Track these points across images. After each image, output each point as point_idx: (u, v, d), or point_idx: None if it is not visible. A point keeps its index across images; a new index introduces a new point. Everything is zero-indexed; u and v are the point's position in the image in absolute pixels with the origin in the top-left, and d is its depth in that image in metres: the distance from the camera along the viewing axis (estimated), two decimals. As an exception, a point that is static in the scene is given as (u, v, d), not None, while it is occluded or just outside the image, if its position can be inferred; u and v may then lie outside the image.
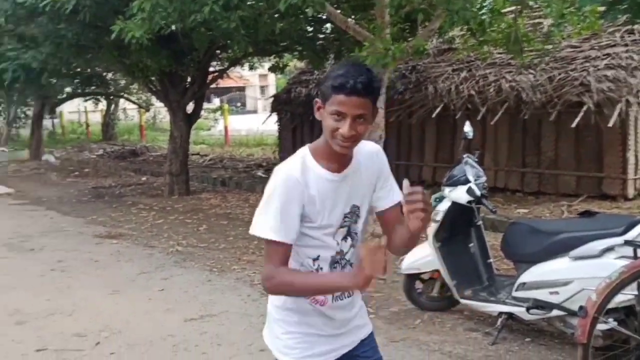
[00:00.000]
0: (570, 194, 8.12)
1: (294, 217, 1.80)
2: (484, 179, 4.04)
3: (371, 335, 2.08)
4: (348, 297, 1.94)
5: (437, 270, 4.22)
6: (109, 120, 22.84)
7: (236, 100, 39.98)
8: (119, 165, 14.78)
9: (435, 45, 10.31)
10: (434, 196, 4.22)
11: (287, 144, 12.21)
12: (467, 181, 3.92)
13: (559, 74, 8.19)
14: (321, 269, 1.88)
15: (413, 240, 1.84)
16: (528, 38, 7.28)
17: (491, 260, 4.22)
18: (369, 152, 1.94)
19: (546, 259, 3.59)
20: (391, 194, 1.95)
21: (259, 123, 17.43)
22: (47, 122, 21.12)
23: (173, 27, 6.10)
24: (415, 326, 4.26)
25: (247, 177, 11.82)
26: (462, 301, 4.10)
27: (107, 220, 8.45)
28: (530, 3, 7.93)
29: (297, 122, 12.02)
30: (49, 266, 6.13)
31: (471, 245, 4.16)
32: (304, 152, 1.87)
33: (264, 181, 11.58)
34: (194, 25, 5.73)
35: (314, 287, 1.83)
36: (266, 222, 1.79)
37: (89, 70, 14.37)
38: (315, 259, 1.88)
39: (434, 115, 9.23)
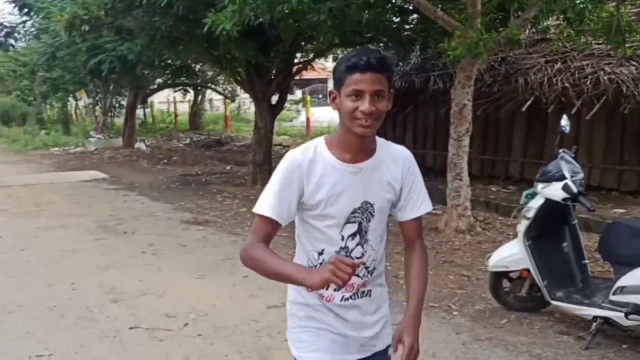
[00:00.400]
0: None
1: (290, 199, 1.78)
2: (581, 175, 3.84)
3: (386, 351, 1.97)
4: (361, 297, 1.89)
5: (527, 269, 4.06)
6: (196, 110, 23.62)
7: (318, 92, 40.17)
8: (205, 154, 15.27)
9: (528, 36, 9.91)
10: (525, 192, 4.06)
11: (369, 136, 12.16)
12: (562, 177, 3.73)
13: (665, 67, 7.67)
14: (325, 263, 1.79)
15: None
16: (631, 28, 6.83)
17: (586, 261, 4.00)
18: (397, 154, 1.89)
19: (646, 264, 3.37)
20: (414, 207, 1.90)
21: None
22: (139, 112, 22.07)
23: (261, 19, 6.20)
24: (501, 326, 4.12)
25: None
26: (553, 303, 3.92)
27: (193, 207, 8.75)
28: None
29: (380, 114, 11.93)
30: (140, 249, 6.42)
31: (564, 244, 3.97)
32: (318, 140, 1.86)
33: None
34: (282, 16, 5.78)
35: (275, 271, 1.75)
36: (266, 200, 1.80)
37: (179, 61, 14.89)
38: (320, 253, 1.85)
39: (524, 109, 8.87)
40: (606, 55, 8.45)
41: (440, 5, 7.28)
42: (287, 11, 5.24)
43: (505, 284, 4.38)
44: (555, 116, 8.73)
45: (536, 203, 3.92)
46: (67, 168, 13.80)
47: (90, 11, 8.43)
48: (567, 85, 8.34)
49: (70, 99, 24.04)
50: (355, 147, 1.79)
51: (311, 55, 12.42)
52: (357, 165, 1.80)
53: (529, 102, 8.79)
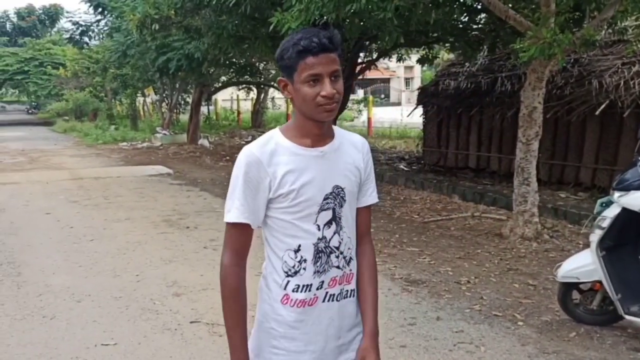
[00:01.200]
0: None
1: (257, 198, 1.68)
2: (662, 184, 3.61)
3: None
4: (345, 297, 1.78)
5: (599, 281, 3.86)
6: (259, 108, 23.95)
7: (380, 91, 40.03)
8: (267, 152, 15.43)
9: (604, 37, 9.48)
10: (600, 200, 3.86)
11: (432, 137, 11.95)
12: (642, 186, 3.53)
13: None
14: (305, 261, 1.70)
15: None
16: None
17: (665, 275, 3.77)
18: (355, 140, 1.82)
19: None
20: (365, 194, 1.84)
21: (403, 115, 17.26)
22: (203, 109, 22.58)
23: (326, 18, 6.18)
24: (570, 339, 3.93)
25: (389, 169, 11.76)
26: (627, 317, 3.71)
27: (255, 204, 8.83)
28: None
29: (443, 115, 11.70)
30: (202, 244, 6.53)
31: (641, 256, 3.75)
32: (273, 132, 1.75)
33: (406, 174, 11.57)
34: (348, 15, 5.74)
35: (230, 323, 1.72)
36: (233, 206, 1.69)
37: (243, 60, 15.13)
38: (297, 250, 1.71)
39: (597, 113, 8.49)
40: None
41: (511, 5, 7.06)
42: (354, 10, 5.17)
43: (575, 295, 4.18)
44: (632, 121, 8.32)
45: (612, 212, 3.71)
46: (134, 162, 14.26)
47: (161, 10, 8.67)
48: (644, 88, 7.92)
49: (139, 95, 24.86)
50: (314, 132, 1.71)
51: (375, 55, 12.33)
52: (320, 149, 1.72)
53: (603, 106, 8.40)
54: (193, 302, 4.75)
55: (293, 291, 1.73)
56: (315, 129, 1.71)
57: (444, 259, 5.81)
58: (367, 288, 1.85)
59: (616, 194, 3.70)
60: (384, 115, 22.81)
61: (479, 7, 8.19)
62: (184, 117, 22.75)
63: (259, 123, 23.44)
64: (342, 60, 1.70)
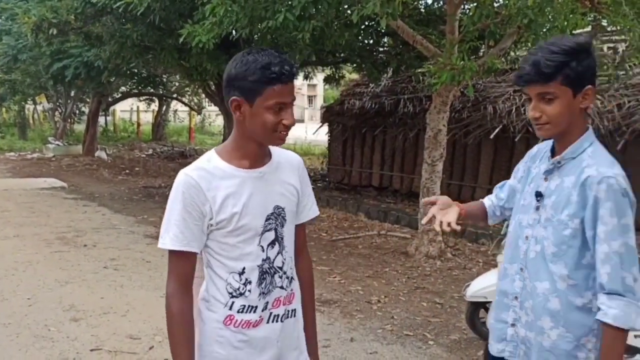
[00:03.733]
0: (637, 227, 7.77)
1: (196, 223, 1.65)
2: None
3: None
4: (287, 317, 1.78)
5: (505, 300, 4.01)
6: (160, 120, 23.26)
7: (283, 108, 40.13)
8: (168, 166, 14.96)
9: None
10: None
11: (337, 156, 12.12)
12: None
13: (629, 101, 7.87)
14: (249, 283, 1.69)
15: None
16: (600, 62, 7.00)
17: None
18: (291, 158, 1.84)
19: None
20: (304, 210, 1.86)
21: (306, 132, 17.41)
22: (100, 119, 21.59)
23: (237, 33, 6.10)
24: (478, 357, 4.07)
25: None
26: (531, 335, 3.89)
27: (157, 221, 8.47)
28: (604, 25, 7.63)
29: (348, 134, 11.92)
30: (102, 263, 6.16)
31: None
32: (209, 154, 1.74)
33: (313, 191, 11.50)
34: (264, 32, 5.70)
35: (177, 351, 1.70)
36: (169, 232, 1.66)
37: (146, 71, 14.63)
38: (241, 273, 1.70)
39: (491, 136, 8.99)
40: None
41: (414, 31, 7.33)
42: (271, 27, 5.13)
43: (482, 314, 4.33)
44: (522, 145, 8.86)
45: (517, 234, 3.89)
46: (23, 174, 13.30)
47: (59, 15, 8.18)
48: (535, 115, 8.48)
49: (29, 102, 23.35)
50: (254, 153, 1.71)
51: (282, 72, 12.36)
52: (259, 170, 1.71)
53: (497, 130, 8.91)
54: (93, 327, 4.43)
55: (238, 312, 1.71)
56: (257, 149, 1.71)
57: (354, 278, 5.85)
58: (309, 306, 1.91)
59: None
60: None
61: (383, 30, 8.44)
62: (79, 127, 21.62)
63: (160, 136, 22.73)
64: None
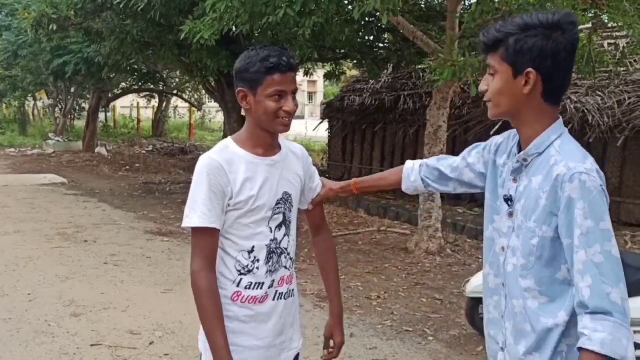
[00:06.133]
0: (634, 223, 7.78)
1: (220, 203, 1.77)
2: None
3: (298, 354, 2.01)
4: (288, 297, 1.91)
5: (505, 296, 4.02)
6: (161, 117, 23.25)
7: (283, 104, 40.11)
8: (168, 162, 14.97)
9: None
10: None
11: (337, 152, 12.14)
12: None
13: (629, 98, 7.88)
14: (258, 261, 1.82)
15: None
16: (601, 58, 6.99)
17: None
18: (297, 149, 2.00)
19: (632, 295, 3.35)
20: (316, 191, 2.04)
21: (307, 128, 17.41)
22: (101, 115, 21.59)
23: (238, 29, 6.09)
24: (477, 353, 4.07)
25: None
26: (530, 331, 3.89)
27: (157, 217, 8.51)
28: (605, 21, 7.62)
29: (348, 131, 11.94)
30: (102, 259, 6.17)
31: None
32: (227, 141, 1.88)
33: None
34: (264, 28, 5.69)
35: (209, 326, 1.75)
36: (196, 211, 1.76)
37: (146, 67, 14.62)
38: (251, 251, 1.82)
39: (492, 133, 8.97)
40: (573, 84, 8.65)
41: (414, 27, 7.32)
42: (271, 22, 5.12)
43: (481, 309, 4.33)
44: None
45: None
46: (24, 170, 13.31)
47: (60, 10, 8.17)
48: (535, 111, 8.48)
49: (29, 98, 23.33)
50: (267, 142, 1.85)
51: (283, 68, 12.35)
52: (272, 158, 1.86)
53: (497, 127, 8.90)
54: (93, 323, 4.44)
55: (246, 288, 1.83)
56: (269, 139, 1.85)
57: (354, 274, 5.86)
58: (330, 274, 2.09)
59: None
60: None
61: (383, 26, 8.42)
62: (80, 124, 21.61)
63: (160, 132, 22.73)
64: None
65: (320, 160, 14.64)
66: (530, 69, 1.51)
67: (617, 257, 1.45)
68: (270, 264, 1.84)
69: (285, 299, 1.89)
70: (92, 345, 4.04)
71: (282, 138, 1.96)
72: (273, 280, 1.86)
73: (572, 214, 1.46)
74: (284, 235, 1.88)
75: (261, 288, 1.83)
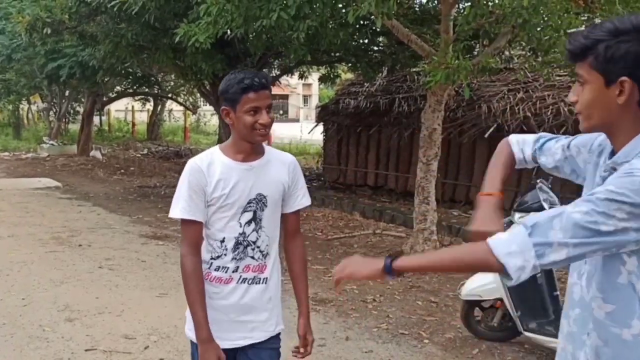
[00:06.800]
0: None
1: (199, 198, 2.12)
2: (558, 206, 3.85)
3: (278, 336, 2.32)
4: (258, 283, 2.21)
5: (500, 299, 4.03)
6: (155, 120, 23.19)
7: (278, 108, 40.19)
8: (163, 166, 14.93)
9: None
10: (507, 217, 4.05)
11: (332, 155, 12.13)
12: (540, 208, 3.72)
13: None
14: (226, 249, 2.17)
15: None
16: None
17: (558, 292, 4.01)
18: (285, 158, 2.29)
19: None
20: (295, 201, 2.30)
21: (302, 131, 17.41)
22: (95, 119, 21.52)
23: (232, 32, 6.09)
24: (473, 356, 4.08)
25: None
26: (526, 334, 3.90)
27: (152, 221, 8.49)
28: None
29: (343, 134, 11.93)
30: (97, 263, 6.15)
31: (538, 275, 3.95)
32: (214, 148, 2.23)
33: (309, 190, 11.48)
34: (259, 31, 5.69)
35: (191, 300, 2.12)
36: (178, 205, 2.12)
37: (140, 70, 14.60)
38: (222, 241, 2.17)
39: (486, 135, 9.01)
40: (566, 87, 8.67)
41: (412, 30, 7.34)
42: (265, 25, 5.13)
43: (477, 312, 4.35)
44: (518, 144, 8.90)
45: (512, 233, 3.90)
46: (18, 174, 13.26)
47: (54, 14, 8.15)
48: (528, 114, 8.50)
49: (23, 102, 23.26)
50: (247, 150, 2.17)
51: (278, 72, 12.36)
52: (249, 163, 2.17)
53: (491, 129, 8.93)
54: (88, 327, 4.43)
55: (215, 270, 2.20)
56: (249, 148, 2.17)
57: (349, 277, 5.85)
58: (299, 278, 2.37)
59: (517, 216, 3.90)
60: (283, 131, 22.89)
61: (378, 29, 8.44)
62: (74, 127, 21.54)
63: (155, 135, 22.67)
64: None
65: (315, 163, 14.64)
66: (624, 78, 1.39)
67: None
68: (236, 252, 2.17)
69: (249, 284, 2.20)
70: (86, 350, 4.03)
71: (273, 148, 2.29)
72: (237, 267, 2.18)
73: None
74: (253, 230, 2.18)
75: (226, 272, 2.18)
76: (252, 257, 2.19)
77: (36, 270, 5.82)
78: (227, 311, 2.19)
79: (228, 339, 2.19)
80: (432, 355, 4.06)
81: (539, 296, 3.94)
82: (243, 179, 2.14)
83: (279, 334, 2.32)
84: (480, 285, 4.10)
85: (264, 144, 2.25)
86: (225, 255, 2.17)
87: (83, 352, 4.00)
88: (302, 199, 2.31)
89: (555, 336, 3.71)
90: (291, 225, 2.34)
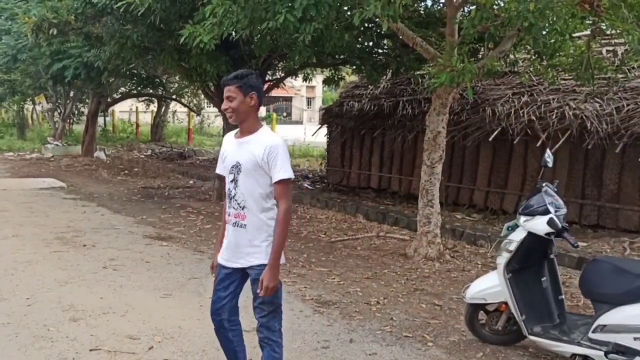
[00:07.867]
0: (632, 230, 7.79)
1: (221, 159, 3.22)
2: (564, 210, 3.85)
3: (260, 267, 3.02)
4: (239, 227, 3.06)
5: (505, 303, 4.03)
6: (159, 121, 23.22)
7: (282, 109, 40.23)
8: (167, 167, 14.96)
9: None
10: (506, 224, 4.05)
11: (335, 157, 12.13)
12: (546, 212, 3.72)
13: (628, 105, 7.90)
14: (227, 199, 3.12)
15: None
16: (600, 65, 7.02)
17: (563, 296, 4.00)
18: (264, 141, 2.98)
19: (632, 302, 3.36)
20: (275, 175, 2.97)
21: (306, 134, 17.40)
22: (99, 120, 21.55)
23: (237, 34, 6.09)
24: (477, 359, 4.07)
25: (294, 187, 11.76)
26: (531, 338, 3.89)
27: (156, 221, 8.50)
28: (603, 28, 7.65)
29: (347, 136, 11.92)
30: (101, 263, 6.16)
31: (544, 279, 3.95)
32: (235, 130, 3.15)
33: (311, 193, 11.59)
34: (264, 33, 5.70)
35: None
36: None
37: (145, 71, 14.63)
38: (227, 192, 3.12)
39: (490, 139, 9.00)
40: (571, 91, 8.67)
41: (417, 33, 7.34)
42: (271, 27, 5.14)
43: (481, 316, 4.34)
44: (521, 147, 8.89)
45: (518, 236, 3.90)
46: (22, 174, 13.29)
47: (60, 15, 8.18)
48: (533, 118, 8.49)
49: (28, 102, 23.31)
50: (240, 131, 3.07)
51: (282, 74, 12.36)
52: (238, 139, 3.08)
53: (495, 133, 8.92)
54: (92, 327, 4.43)
55: (227, 215, 3.18)
56: (241, 129, 3.08)
57: (353, 279, 5.86)
58: (273, 236, 3.05)
59: (522, 219, 3.90)
60: (287, 133, 22.87)
61: (383, 32, 8.43)
62: (78, 128, 21.59)
63: (158, 137, 22.70)
64: (242, 89, 2.98)
65: (319, 165, 14.64)
66: None
67: None
68: (228, 201, 3.12)
69: (234, 227, 3.08)
70: (91, 350, 4.03)
71: (267, 132, 3.06)
72: (229, 213, 3.11)
73: None
74: (233, 188, 3.06)
75: (228, 215, 3.13)
76: (233, 207, 3.07)
77: (40, 270, 5.83)
78: (227, 243, 3.13)
79: (236, 263, 3.12)
80: (436, 359, 4.05)
81: (544, 300, 3.94)
82: (232, 150, 3.09)
83: (263, 265, 3.02)
84: (485, 289, 4.09)
85: (267, 128, 3.09)
86: (227, 204, 3.11)
87: (87, 352, 4.00)
88: (279, 174, 2.95)
89: (561, 341, 3.72)
90: (276, 193, 3.01)
